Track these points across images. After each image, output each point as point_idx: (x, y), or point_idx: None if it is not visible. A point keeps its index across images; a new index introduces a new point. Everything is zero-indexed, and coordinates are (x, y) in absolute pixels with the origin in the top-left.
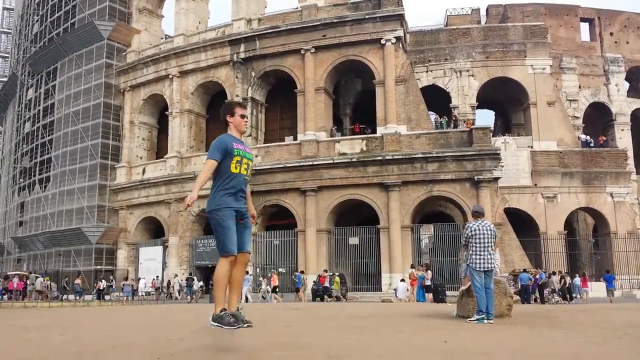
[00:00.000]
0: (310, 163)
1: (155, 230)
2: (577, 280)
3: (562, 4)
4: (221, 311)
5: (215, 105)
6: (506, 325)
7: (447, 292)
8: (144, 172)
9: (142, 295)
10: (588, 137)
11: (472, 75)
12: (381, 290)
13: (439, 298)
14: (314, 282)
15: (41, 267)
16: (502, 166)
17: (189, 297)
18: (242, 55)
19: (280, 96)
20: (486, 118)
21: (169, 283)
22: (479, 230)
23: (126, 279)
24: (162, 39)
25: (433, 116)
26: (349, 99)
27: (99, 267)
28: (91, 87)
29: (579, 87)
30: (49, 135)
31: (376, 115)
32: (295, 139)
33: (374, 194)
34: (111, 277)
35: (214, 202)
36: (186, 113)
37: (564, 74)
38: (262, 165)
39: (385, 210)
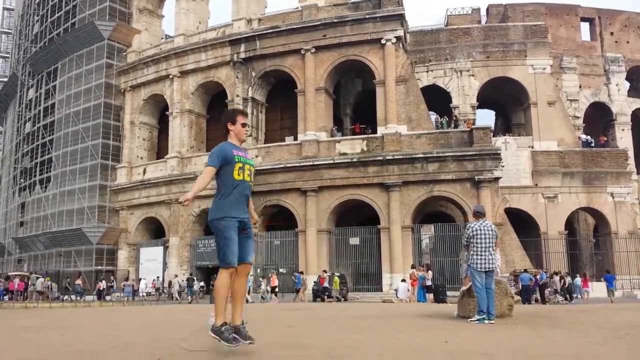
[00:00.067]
0: (311, 163)
1: (155, 231)
2: (578, 280)
3: (562, 3)
4: (222, 325)
5: (216, 105)
6: (507, 325)
7: (448, 293)
8: (144, 172)
9: (142, 296)
10: (588, 137)
11: (473, 75)
12: (382, 291)
13: (440, 298)
14: (314, 282)
15: (42, 267)
16: (503, 166)
17: (189, 297)
18: (243, 55)
19: (281, 96)
20: (487, 118)
21: (170, 283)
22: (480, 230)
23: (127, 279)
24: (162, 39)
25: (433, 116)
26: (350, 99)
27: (99, 267)
28: (91, 87)
29: (580, 86)
30: (49, 136)
31: (376, 115)
32: (295, 139)
33: (375, 194)
34: (112, 278)
35: (217, 211)
36: (186, 113)
37: (565, 74)
38: (262, 166)
39: (386, 211)
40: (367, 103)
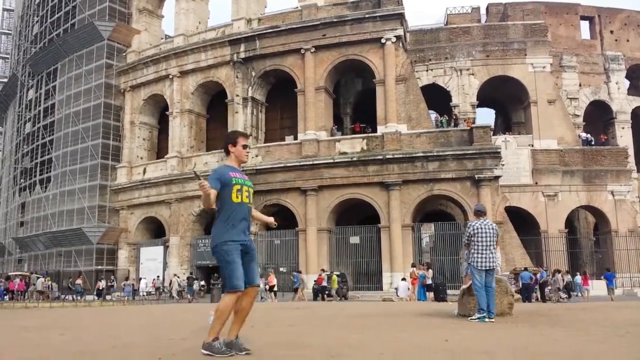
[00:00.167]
0: (311, 162)
1: (156, 230)
2: (578, 278)
3: (562, 2)
4: (213, 340)
5: (216, 105)
6: (507, 323)
7: (448, 291)
8: (144, 172)
9: (143, 295)
10: (589, 136)
11: (473, 74)
12: (382, 290)
13: (440, 297)
14: (314, 281)
15: (42, 267)
16: (503, 165)
17: (189, 296)
18: (242, 55)
19: (281, 96)
20: (486, 117)
21: (170, 283)
22: (481, 229)
23: (127, 278)
24: (162, 39)
25: (433, 115)
26: (349, 98)
27: (100, 267)
28: (91, 88)
29: (580, 85)
30: (49, 136)
31: (376, 115)
32: (295, 138)
33: (375, 193)
34: (112, 277)
35: (218, 237)
36: (186, 113)
37: (564, 72)
38: (262, 165)
39: (386, 209)
40: (367, 102)
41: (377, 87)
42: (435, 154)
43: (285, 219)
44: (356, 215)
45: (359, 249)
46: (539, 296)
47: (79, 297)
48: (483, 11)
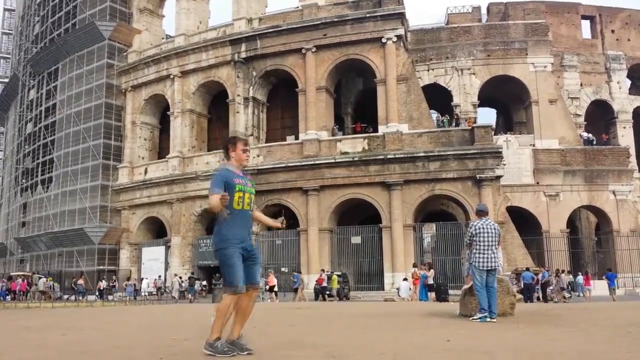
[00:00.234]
0: (312, 162)
1: (157, 230)
2: (580, 278)
3: (563, 1)
4: (215, 340)
5: (217, 105)
6: (509, 323)
7: (450, 291)
8: (146, 172)
9: (144, 295)
10: (590, 135)
11: (474, 74)
12: (384, 290)
13: (442, 297)
14: (316, 282)
15: (44, 267)
16: (504, 164)
17: (190, 296)
18: (243, 55)
19: (282, 95)
20: (488, 116)
21: (172, 283)
22: (483, 228)
23: (128, 279)
24: (163, 39)
25: (435, 115)
26: (350, 98)
27: (101, 267)
28: (92, 88)
29: (581, 84)
30: (50, 136)
31: (378, 114)
32: (296, 138)
33: (376, 193)
34: (114, 277)
35: (219, 241)
36: (188, 113)
37: (566, 72)
38: (263, 165)
39: (388, 209)
40: (368, 102)
41: (378, 86)
42: (436, 153)
43: (287, 219)
44: (357, 215)
45: (360, 249)
46: (540, 296)
47: (80, 297)
48: (484, 10)
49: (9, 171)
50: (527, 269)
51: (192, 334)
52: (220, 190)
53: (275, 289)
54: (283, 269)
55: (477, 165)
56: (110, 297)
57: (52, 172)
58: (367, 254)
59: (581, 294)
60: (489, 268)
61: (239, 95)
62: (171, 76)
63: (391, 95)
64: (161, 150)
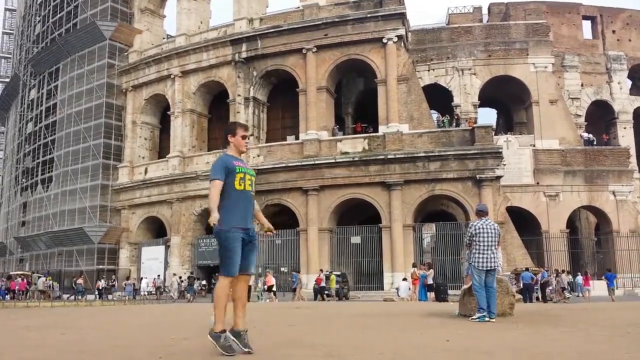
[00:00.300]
0: (312, 162)
1: (157, 230)
2: (579, 278)
3: (564, 1)
4: (221, 332)
5: (217, 105)
6: (508, 324)
7: (449, 291)
8: (146, 171)
9: (144, 295)
10: (590, 136)
11: (474, 74)
12: (383, 289)
13: (441, 297)
14: (315, 281)
15: (43, 267)
16: (504, 165)
17: (189, 295)
18: (244, 55)
19: (282, 95)
20: (488, 116)
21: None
22: (483, 228)
23: (128, 278)
24: (164, 39)
25: (435, 115)
26: (351, 98)
27: (101, 266)
28: (93, 87)
29: (581, 85)
30: (51, 136)
31: (378, 114)
32: (297, 138)
33: (376, 193)
34: (113, 277)
35: (222, 223)
36: (188, 113)
37: (566, 72)
38: (264, 165)
39: (387, 209)
40: (369, 102)
41: (378, 86)
42: (436, 154)
43: (287, 219)
44: (357, 215)
45: (360, 249)
46: (540, 296)
47: (80, 297)
48: (485, 11)
49: (9, 170)
50: (527, 269)
51: (191, 333)
52: (221, 177)
53: (274, 288)
54: (283, 269)
55: (477, 166)
56: (110, 297)
57: (52, 171)
58: (366, 254)
59: (580, 294)
60: (488, 268)
61: (239, 95)
62: (172, 76)
63: (392, 95)
64: (161, 150)
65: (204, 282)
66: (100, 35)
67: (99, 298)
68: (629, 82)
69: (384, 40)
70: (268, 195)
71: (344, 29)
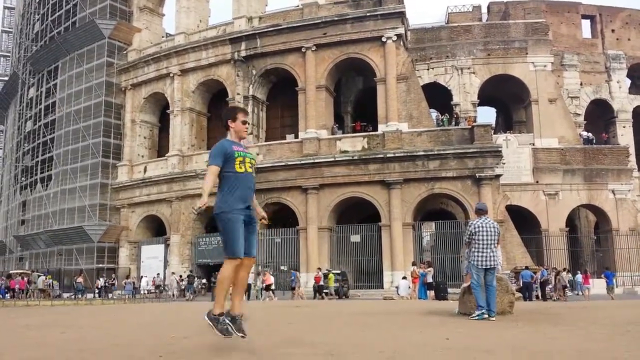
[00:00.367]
0: (312, 161)
1: (157, 229)
2: (579, 277)
3: (563, 0)
4: (219, 314)
5: (217, 104)
6: (508, 322)
7: (449, 290)
8: (145, 170)
9: (143, 294)
10: (589, 134)
11: (474, 73)
12: (383, 288)
13: (441, 295)
14: (314, 280)
15: (43, 265)
16: (504, 163)
17: (188, 294)
18: (243, 54)
19: (282, 94)
20: (487, 115)
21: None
22: (482, 227)
23: (128, 277)
24: (163, 37)
25: (434, 114)
26: (350, 97)
27: (101, 265)
28: (92, 86)
29: (581, 84)
30: (50, 134)
31: (377, 113)
32: (296, 137)
33: (376, 192)
34: (113, 276)
35: (222, 204)
36: (187, 111)
37: (566, 71)
38: (263, 164)
39: (387, 208)
40: (368, 101)
41: (378, 85)
42: (436, 152)
43: (287, 217)
44: (357, 214)
45: (359, 248)
46: (539, 295)
47: (79, 295)
48: (484, 10)
49: (8, 169)
50: (526, 268)
51: (191, 332)
52: (219, 163)
53: (272, 287)
54: (282, 267)
55: (477, 164)
56: (110, 295)
57: (51, 170)
58: (366, 252)
59: (580, 293)
60: (487, 267)
61: (238, 94)
62: (171, 74)
63: (391, 94)
64: (161, 148)
65: (204, 280)
66: (99, 33)
67: (98, 297)
68: (628, 81)
69: (383, 39)
70: (267, 194)
71: (343, 28)
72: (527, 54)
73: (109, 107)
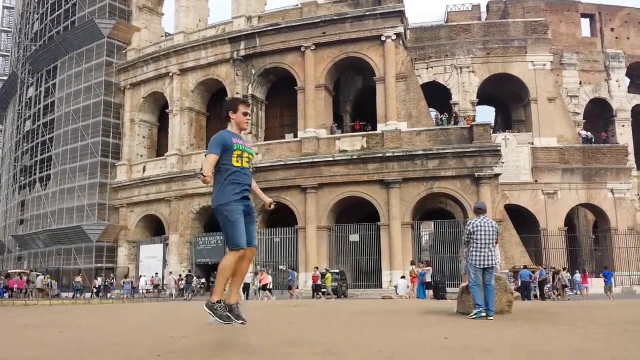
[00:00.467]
0: (311, 160)
1: (155, 228)
2: (578, 276)
3: (562, 0)
4: (217, 302)
5: (216, 103)
6: (507, 321)
7: (448, 289)
8: (144, 170)
9: (142, 293)
10: (589, 134)
11: (473, 72)
12: (382, 287)
13: (440, 295)
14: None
15: (42, 265)
16: (503, 163)
17: (187, 293)
18: (243, 53)
19: (281, 94)
20: (487, 115)
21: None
22: (481, 227)
23: (126, 276)
24: (162, 37)
25: (434, 113)
26: (350, 96)
27: (99, 265)
28: (91, 86)
29: (580, 83)
30: (49, 134)
31: (377, 113)
32: (295, 136)
33: (375, 191)
34: (112, 275)
35: (221, 197)
36: (187, 111)
37: (565, 70)
38: (262, 163)
39: (386, 208)
40: (367, 100)
41: (377, 85)
42: (435, 152)
43: (286, 217)
44: (356, 214)
45: (358, 247)
46: (538, 294)
47: (78, 295)
48: (484, 9)
49: (7, 169)
50: (525, 267)
51: (189, 331)
52: (217, 152)
53: (269, 287)
54: (281, 267)
55: (476, 164)
56: (109, 295)
57: (50, 169)
58: (365, 252)
59: (579, 292)
60: (486, 266)
61: (238, 93)
62: (170, 74)
63: (390, 93)
64: (160, 148)
65: (202, 280)
66: (99, 33)
67: (96, 296)
68: (628, 80)
69: (383, 39)
70: (267, 194)
71: (342, 27)
72: (526, 53)
73: (108, 107)
